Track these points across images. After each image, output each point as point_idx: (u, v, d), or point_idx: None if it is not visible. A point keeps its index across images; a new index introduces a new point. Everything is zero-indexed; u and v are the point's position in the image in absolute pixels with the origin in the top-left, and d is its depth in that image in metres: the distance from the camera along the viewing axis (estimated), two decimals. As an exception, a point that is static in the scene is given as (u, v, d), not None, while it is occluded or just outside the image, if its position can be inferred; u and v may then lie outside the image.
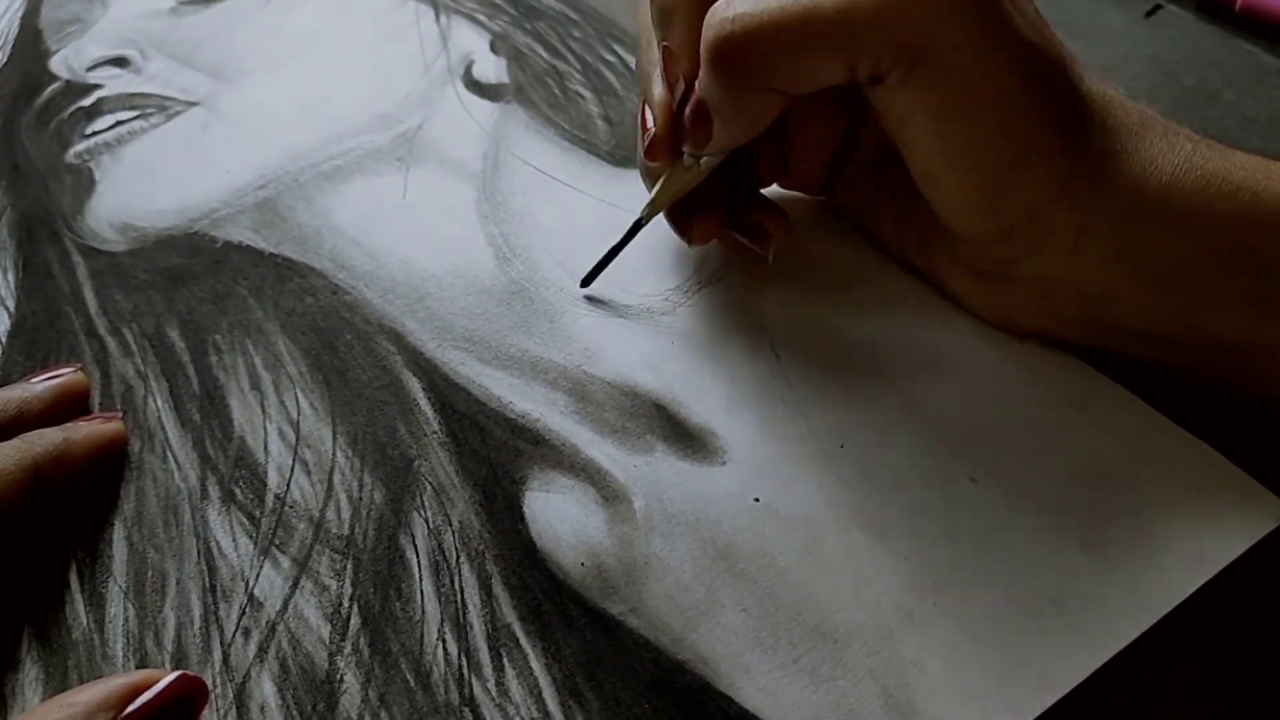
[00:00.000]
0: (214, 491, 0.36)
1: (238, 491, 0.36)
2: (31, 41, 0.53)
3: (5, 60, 0.52)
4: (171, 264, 0.42)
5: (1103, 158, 0.35)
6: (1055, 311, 0.38)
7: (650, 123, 0.39)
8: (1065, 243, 0.36)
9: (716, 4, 0.36)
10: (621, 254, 0.41)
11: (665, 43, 0.38)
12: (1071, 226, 0.35)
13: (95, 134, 0.48)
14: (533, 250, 0.42)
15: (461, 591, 0.34)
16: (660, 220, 0.40)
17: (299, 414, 0.38)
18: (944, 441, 0.36)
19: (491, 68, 0.49)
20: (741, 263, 0.41)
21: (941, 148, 0.36)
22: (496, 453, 0.36)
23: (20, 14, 0.54)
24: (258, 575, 0.34)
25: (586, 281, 0.41)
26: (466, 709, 0.32)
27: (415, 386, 0.38)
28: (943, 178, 0.37)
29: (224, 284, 0.41)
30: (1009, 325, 0.39)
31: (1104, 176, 0.35)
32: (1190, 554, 0.33)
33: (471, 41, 0.51)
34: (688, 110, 0.38)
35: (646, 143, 0.39)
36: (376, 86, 0.48)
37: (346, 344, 0.39)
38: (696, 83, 0.37)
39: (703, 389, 0.38)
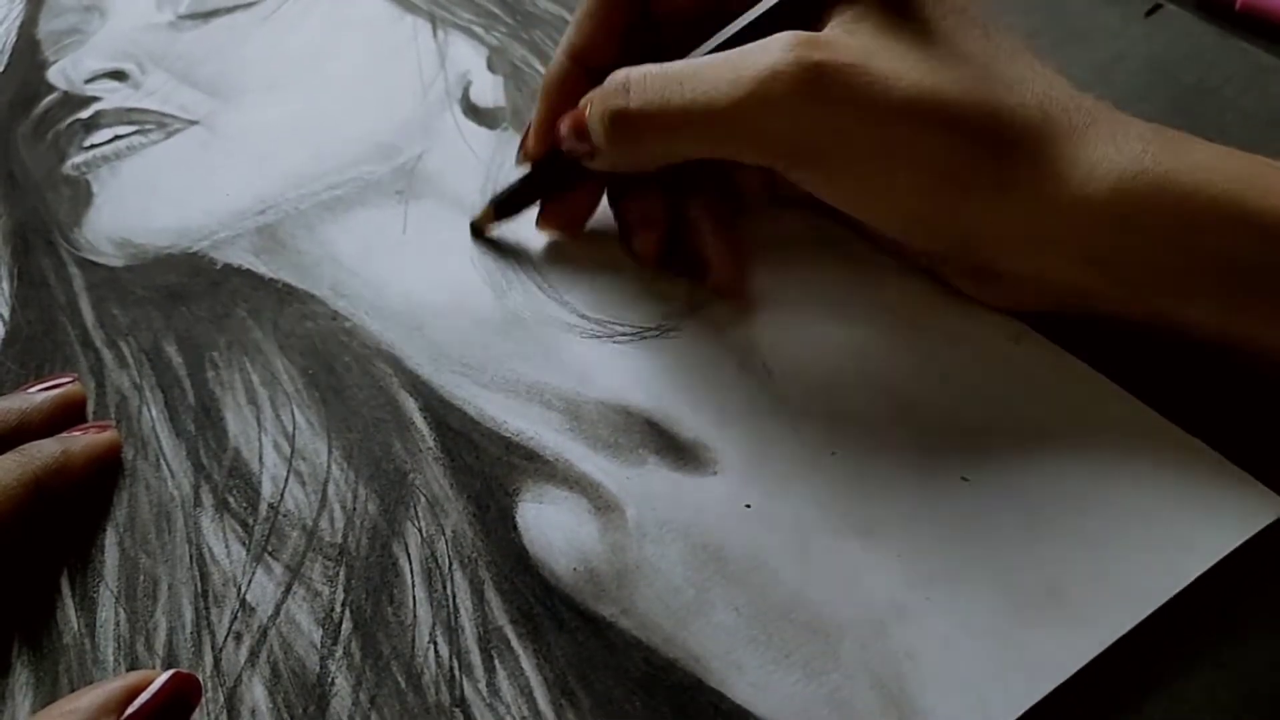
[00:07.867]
0: (207, 499, 0.36)
1: (231, 500, 0.36)
2: (29, 51, 0.53)
3: (2, 69, 0.53)
4: (170, 282, 0.43)
5: (1038, 166, 0.35)
6: (1050, 298, 0.38)
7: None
8: (1025, 247, 0.36)
9: (616, 73, 0.37)
10: (616, 283, 0.42)
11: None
12: (1022, 233, 0.36)
13: (93, 147, 0.48)
14: (528, 284, 0.42)
15: (453, 597, 0.34)
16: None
17: (295, 428, 0.38)
18: (936, 444, 0.36)
19: (489, 89, 0.50)
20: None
21: (857, 206, 0.37)
22: (490, 467, 0.37)
23: (18, 23, 0.55)
24: (250, 581, 0.34)
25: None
26: (457, 709, 0.31)
27: (411, 406, 0.38)
28: (874, 222, 0.38)
29: (223, 305, 0.42)
30: (1017, 309, 0.39)
31: (1044, 187, 0.35)
32: (1186, 545, 0.33)
33: (469, 59, 0.51)
34: (566, 124, 0.39)
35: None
36: (376, 110, 0.49)
37: (344, 365, 0.40)
38: (582, 101, 0.39)
39: (695, 405, 0.38)
